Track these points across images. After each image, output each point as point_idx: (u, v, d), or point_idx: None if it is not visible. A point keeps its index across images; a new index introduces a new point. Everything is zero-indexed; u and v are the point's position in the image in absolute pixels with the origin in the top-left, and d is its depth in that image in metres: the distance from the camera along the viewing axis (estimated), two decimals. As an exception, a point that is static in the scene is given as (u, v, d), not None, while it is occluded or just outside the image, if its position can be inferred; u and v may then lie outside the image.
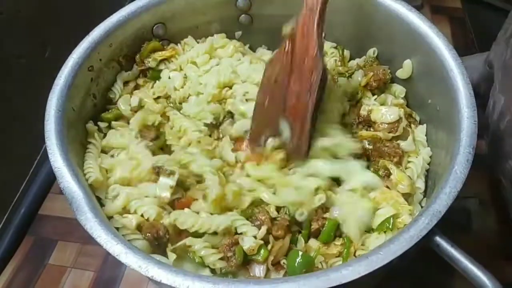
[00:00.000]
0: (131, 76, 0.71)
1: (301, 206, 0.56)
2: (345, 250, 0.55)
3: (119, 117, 0.67)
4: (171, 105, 0.69)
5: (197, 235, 0.55)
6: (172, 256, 0.53)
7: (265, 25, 0.77)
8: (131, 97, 0.69)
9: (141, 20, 0.69)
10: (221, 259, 0.53)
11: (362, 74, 0.69)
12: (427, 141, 0.65)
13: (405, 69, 0.66)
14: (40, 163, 0.91)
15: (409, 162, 0.62)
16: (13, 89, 0.83)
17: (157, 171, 0.58)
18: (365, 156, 0.63)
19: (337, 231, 0.57)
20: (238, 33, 0.78)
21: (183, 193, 0.59)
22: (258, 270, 0.53)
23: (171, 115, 0.67)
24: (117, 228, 0.54)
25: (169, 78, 0.71)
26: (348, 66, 0.73)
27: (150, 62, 0.71)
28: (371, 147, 0.63)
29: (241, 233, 0.55)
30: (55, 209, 0.89)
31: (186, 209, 0.56)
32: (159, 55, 0.71)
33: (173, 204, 0.58)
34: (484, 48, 1.02)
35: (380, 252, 0.44)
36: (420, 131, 0.65)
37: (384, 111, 0.64)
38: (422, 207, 0.59)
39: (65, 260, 0.83)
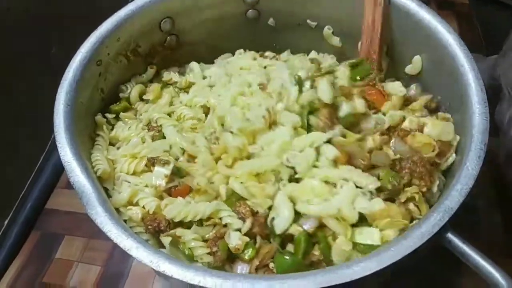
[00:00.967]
0: (145, 79, 0.73)
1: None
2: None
3: (128, 109, 0.68)
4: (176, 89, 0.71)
5: (189, 226, 0.55)
6: (167, 240, 0.52)
7: (272, 20, 0.77)
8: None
9: (149, 15, 0.69)
10: (208, 253, 0.53)
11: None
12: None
13: (415, 65, 0.66)
14: (46, 158, 0.91)
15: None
16: (20, 85, 0.83)
17: (152, 162, 0.59)
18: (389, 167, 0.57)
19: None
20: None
21: (180, 181, 0.58)
22: (241, 268, 0.52)
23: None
24: (124, 221, 0.54)
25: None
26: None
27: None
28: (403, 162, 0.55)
29: (226, 225, 0.54)
30: (61, 203, 0.89)
31: (179, 198, 0.56)
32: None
33: (171, 193, 0.58)
34: (490, 44, 1.02)
35: (391, 248, 0.44)
36: None
37: (441, 126, 0.57)
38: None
39: (72, 254, 0.83)
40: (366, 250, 0.50)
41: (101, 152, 0.59)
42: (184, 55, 0.76)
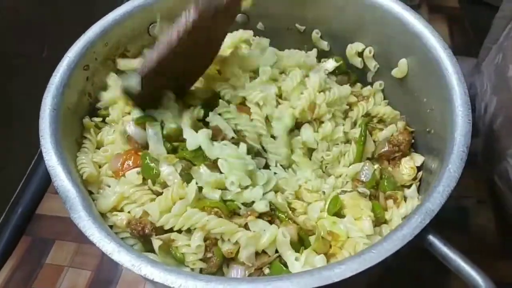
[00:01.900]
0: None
1: None
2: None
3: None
4: None
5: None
6: (157, 243, 0.52)
7: (261, 24, 0.77)
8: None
9: (137, 19, 0.69)
10: (201, 259, 0.53)
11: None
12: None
13: (401, 69, 0.66)
14: (37, 162, 0.91)
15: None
16: (11, 88, 0.83)
17: None
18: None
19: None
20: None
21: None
22: (236, 271, 0.53)
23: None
24: (110, 226, 0.54)
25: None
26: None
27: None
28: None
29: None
30: (52, 209, 0.89)
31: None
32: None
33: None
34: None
35: (372, 250, 0.44)
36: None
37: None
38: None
39: (62, 259, 0.83)
40: None
41: (87, 155, 0.60)
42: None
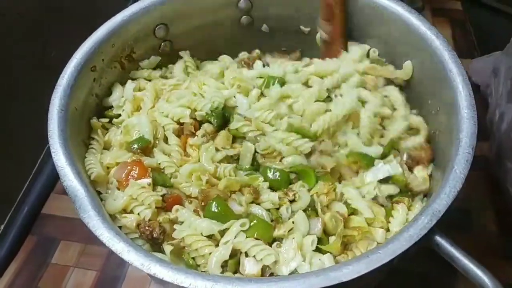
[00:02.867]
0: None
1: None
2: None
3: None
4: None
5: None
6: (169, 248, 0.53)
7: (265, 26, 0.78)
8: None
9: (143, 21, 0.70)
10: None
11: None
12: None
13: (406, 70, 0.67)
14: (43, 162, 0.92)
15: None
16: (16, 89, 0.84)
17: None
18: None
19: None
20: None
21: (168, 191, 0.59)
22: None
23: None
24: (120, 227, 0.55)
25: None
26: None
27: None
28: None
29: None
30: (58, 208, 0.89)
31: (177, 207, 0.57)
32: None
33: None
34: (485, 50, 1.02)
35: (379, 251, 0.44)
36: None
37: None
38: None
39: (68, 259, 0.83)
40: None
41: (95, 156, 0.60)
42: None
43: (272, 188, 0.59)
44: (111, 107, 0.69)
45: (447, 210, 0.47)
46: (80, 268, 0.82)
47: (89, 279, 0.80)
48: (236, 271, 0.52)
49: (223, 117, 0.64)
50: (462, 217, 0.79)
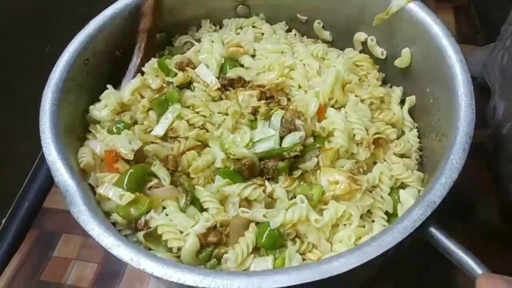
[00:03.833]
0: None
1: None
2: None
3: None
4: None
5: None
6: (140, 235, 0.53)
7: (261, 15, 0.76)
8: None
9: (137, 13, 0.69)
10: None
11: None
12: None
13: (404, 58, 0.65)
14: (43, 157, 0.91)
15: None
16: (15, 84, 0.84)
17: None
18: None
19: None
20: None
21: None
22: None
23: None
24: (114, 224, 0.55)
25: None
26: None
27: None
28: None
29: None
30: (58, 202, 0.89)
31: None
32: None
33: None
34: (488, 35, 1.00)
35: (372, 243, 0.43)
36: None
37: None
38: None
39: (69, 252, 0.83)
40: None
41: (89, 147, 0.60)
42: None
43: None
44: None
45: (442, 200, 0.45)
46: (81, 260, 0.82)
47: (90, 271, 0.81)
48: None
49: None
50: (463, 207, 0.77)
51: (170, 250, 0.52)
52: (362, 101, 0.63)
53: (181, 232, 0.52)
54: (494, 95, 0.70)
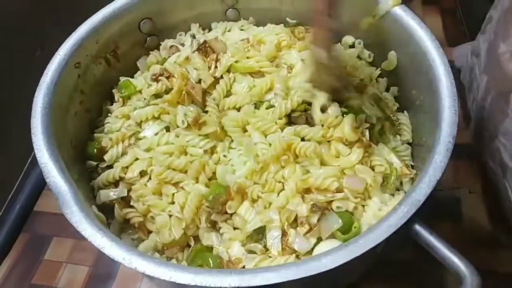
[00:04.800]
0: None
1: None
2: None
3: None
4: None
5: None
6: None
7: (251, 19, 0.78)
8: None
9: (127, 16, 0.70)
10: None
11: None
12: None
13: (390, 61, 0.67)
14: (34, 160, 0.91)
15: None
16: (6, 86, 0.84)
17: None
18: None
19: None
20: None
21: None
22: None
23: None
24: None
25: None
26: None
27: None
28: None
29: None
30: (50, 205, 0.89)
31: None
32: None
33: None
34: (475, 39, 1.02)
35: (359, 241, 0.44)
36: None
37: None
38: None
39: (61, 255, 0.83)
40: None
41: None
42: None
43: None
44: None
45: (427, 199, 0.47)
46: (73, 264, 0.82)
47: (82, 274, 0.81)
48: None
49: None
50: (451, 206, 0.79)
51: None
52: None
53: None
54: (478, 75, 0.71)
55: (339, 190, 0.56)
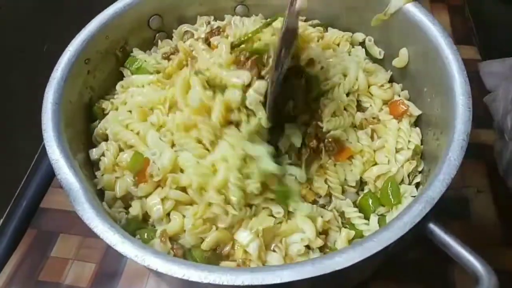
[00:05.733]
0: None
1: None
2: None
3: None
4: None
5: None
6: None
7: (260, 16, 0.77)
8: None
9: (137, 12, 0.69)
10: None
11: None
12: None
13: (401, 58, 0.66)
14: (41, 156, 0.92)
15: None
16: (14, 82, 0.84)
17: None
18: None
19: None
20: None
21: None
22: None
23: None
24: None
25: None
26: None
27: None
28: None
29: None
30: (56, 202, 0.89)
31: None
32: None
33: None
34: (483, 37, 1.01)
35: (374, 239, 0.44)
36: None
37: None
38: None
39: (67, 252, 0.83)
40: None
41: None
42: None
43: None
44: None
45: (441, 197, 0.46)
46: (79, 260, 0.82)
47: (89, 271, 0.81)
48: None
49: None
50: (460, 205, 0.78)
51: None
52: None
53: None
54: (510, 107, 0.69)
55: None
